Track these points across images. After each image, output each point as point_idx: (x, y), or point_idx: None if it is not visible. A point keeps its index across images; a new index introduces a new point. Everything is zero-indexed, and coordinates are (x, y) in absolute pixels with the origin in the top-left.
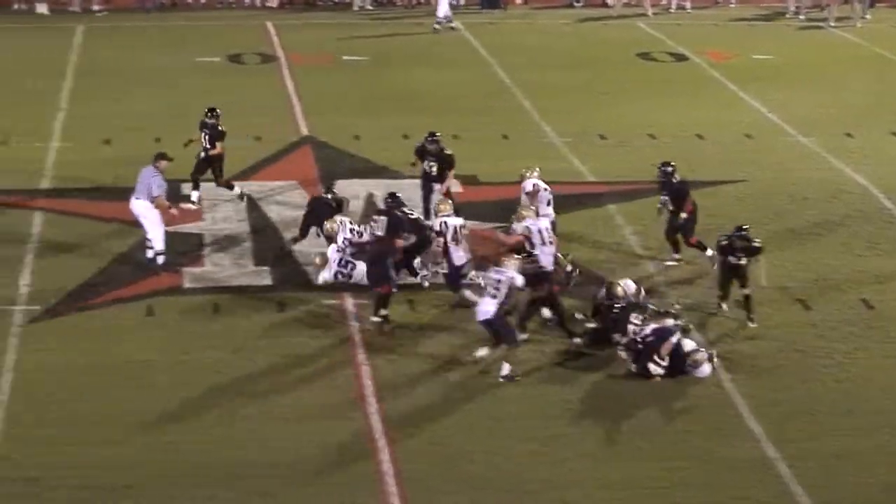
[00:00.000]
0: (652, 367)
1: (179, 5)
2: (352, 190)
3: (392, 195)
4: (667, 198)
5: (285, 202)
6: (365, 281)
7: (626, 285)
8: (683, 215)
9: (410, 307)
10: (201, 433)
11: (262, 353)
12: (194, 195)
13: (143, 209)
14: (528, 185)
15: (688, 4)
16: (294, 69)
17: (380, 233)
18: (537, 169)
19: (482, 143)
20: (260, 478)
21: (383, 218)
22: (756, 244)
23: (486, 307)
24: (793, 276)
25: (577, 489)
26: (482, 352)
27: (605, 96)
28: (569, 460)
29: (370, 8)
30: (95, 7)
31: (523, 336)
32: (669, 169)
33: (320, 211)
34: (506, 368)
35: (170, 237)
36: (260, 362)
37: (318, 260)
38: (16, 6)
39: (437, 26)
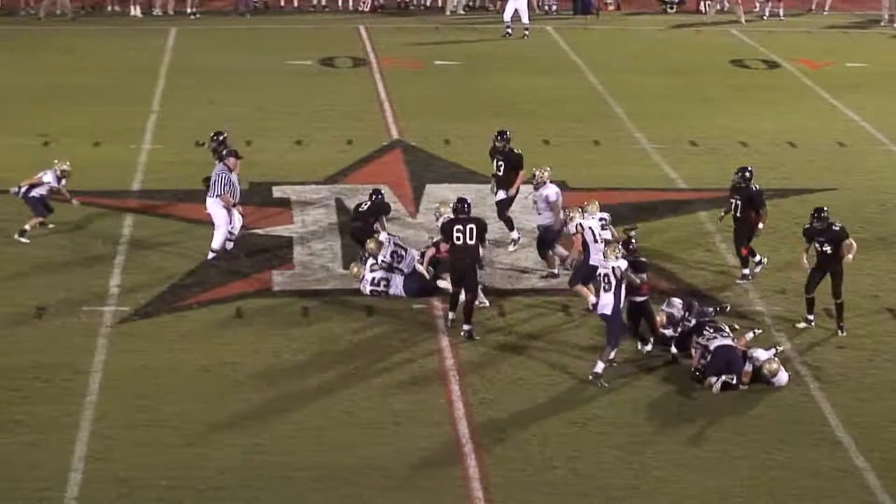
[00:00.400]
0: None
1: (272, 8)
2: (441, 194)
3: (461, 200)
4: (736, 202)
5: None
6: (402, 292)
7: (673, 305)
8: (761, 226)
9: (499, 313)
10: (289, 436)
11: (350, 356)
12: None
13: (211, 206)
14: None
15: (781, 11)
16: (385, 73)
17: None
18: (548, 169)
19: (573, 149)
20: (347, 481)
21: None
22: (836, 227)
23: (605, 300)
24: (883, 285)
25: (664, 497)
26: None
27: (697, 103)
28: (655, 468)
29: (462, 13)
30: (189, 10)
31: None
32: (748, 174)
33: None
34: (599, 366)
35: (259, 239)
36: (348, 366)
37: (354, 269)
38: (109, 8)
39: (508, 31)
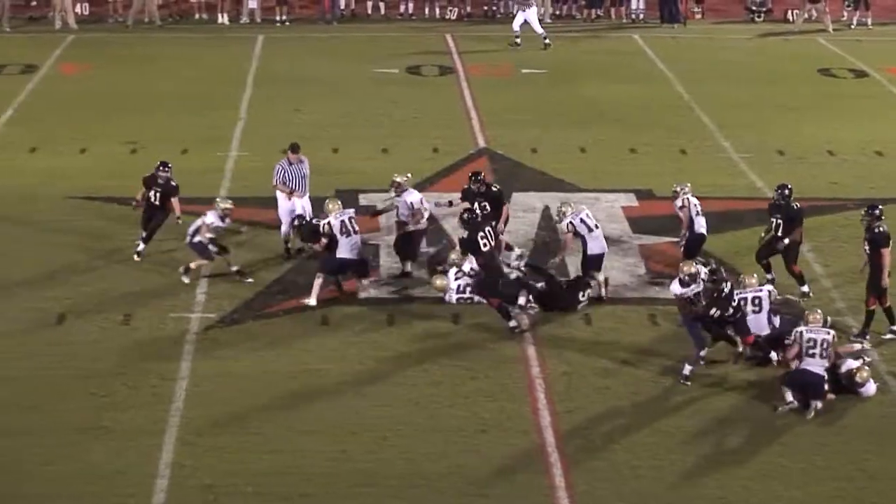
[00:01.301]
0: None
1: (359, 17)
2: (528, 202)
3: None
4: (777, 221)
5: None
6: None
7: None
8: (786, 241)
9: (586, 322)
10: (375, 443)
11: (436, 364)
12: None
13: (278, 198)
14: (679, 201)
15: (869, 20)
16: (472, 81)
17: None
18: (408, 175)
19: (659, 158)
20: (432, 489)
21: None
22: (879, 230)
23: (760, 322)
24: None
25: None
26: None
27: (784, 112)
28: (740, 477)
29: (549, 21)
30: (278, 17)
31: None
32: (787, 192)
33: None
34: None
35: None
36: (434, 373)
37: (438, 283)
38: (197, 16)
39: (517, 41)
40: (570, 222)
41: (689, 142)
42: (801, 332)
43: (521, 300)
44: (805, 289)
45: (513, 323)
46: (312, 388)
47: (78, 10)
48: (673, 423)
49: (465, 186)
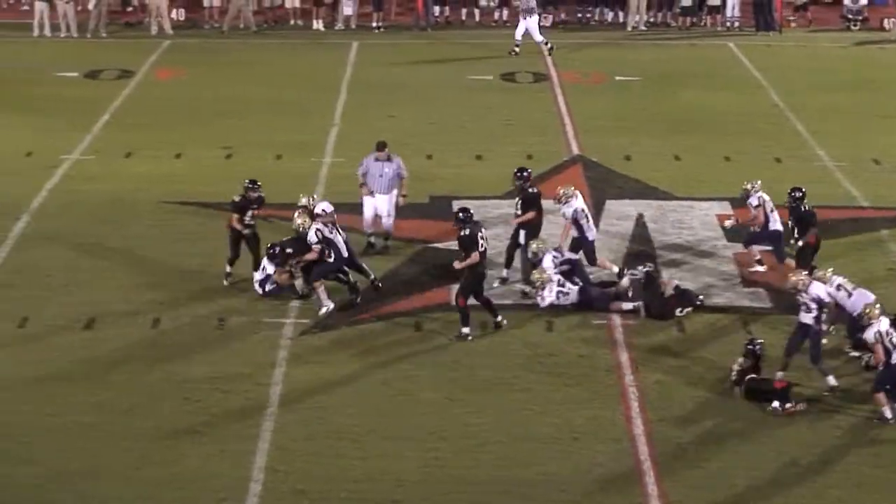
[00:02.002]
0: None
1: (454, 23)
2: (622, 210)
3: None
4: (791, 224)
5: (555, 220)
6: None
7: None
8: (800, 243)
9: (680, 329)
10: (468, 449)
11: (528, 370)
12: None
13: None
14: (754, 200)
15: None
16: (566, 88)
17: None
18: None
19: (754, 166)
20: (525, 496)
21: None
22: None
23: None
24: None
25: None
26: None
27: (879, 120)
28: (835, 487)
29: (644, 28)
30: (374, 24)
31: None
32: (799, 195)
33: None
34: (832, 380)
35: (439, 253)
36: (527, 380)
37: (536, 277)
38: (292, 22)
39: (516, 49)
40: (576, 209)
41: (783, 150)
42: (881, 332)
43: (628, 305)
44: None
45: (466, 330)
46: (405, 395)
47: (174, 15)
48: (766, 432)
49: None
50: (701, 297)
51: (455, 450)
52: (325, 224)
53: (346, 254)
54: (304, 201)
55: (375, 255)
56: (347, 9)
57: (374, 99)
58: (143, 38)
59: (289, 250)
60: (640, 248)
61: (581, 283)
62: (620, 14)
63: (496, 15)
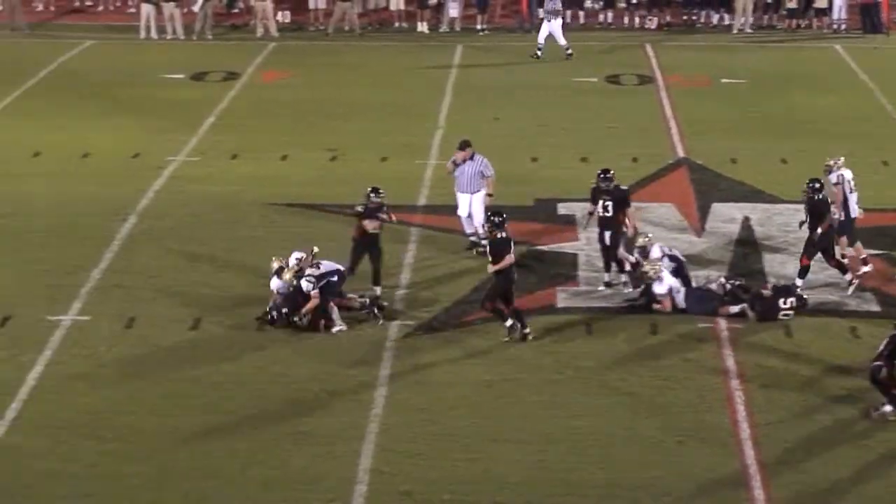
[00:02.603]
0: None
1: None
2: (728, 213)
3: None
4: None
5: (660, 223)
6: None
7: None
8: (818, 231)
9: (786, 333)
10: (571, 452)
11: (633, 374)
12: None
13: None
14: (833, 177)
15: None
16: (671, 91)
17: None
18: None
19: (860, 169)
20: (630, 500)
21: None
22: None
23: None
24: None
25: None
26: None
27: None
28: None
29: (749, 31)
30: (479, 26)
31: None
32: (817, 185)
33: None
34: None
35: (544, 256)
36: (632, 383)
37: (648, 268)
38: (397, 24)
39: (538, 53)
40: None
41: (891, 153)
42: None
43: (735, 308)
44: (798, 282)
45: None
46: (510, 397)
47: (279, 18)
48: (878, 436)
49: (594, 184)
50: (805, 296)
51: (559, 452)
52: (309, 266)
53: (339, 274)
54: (275, 265)
55: (473, 257)
56: (452, 11)
57: (478, 101)
58: (248, 40)
59: (284, 310)
60: (746, 251)
61: (686, 285)
62: (726, 16)
63: (601, 17)
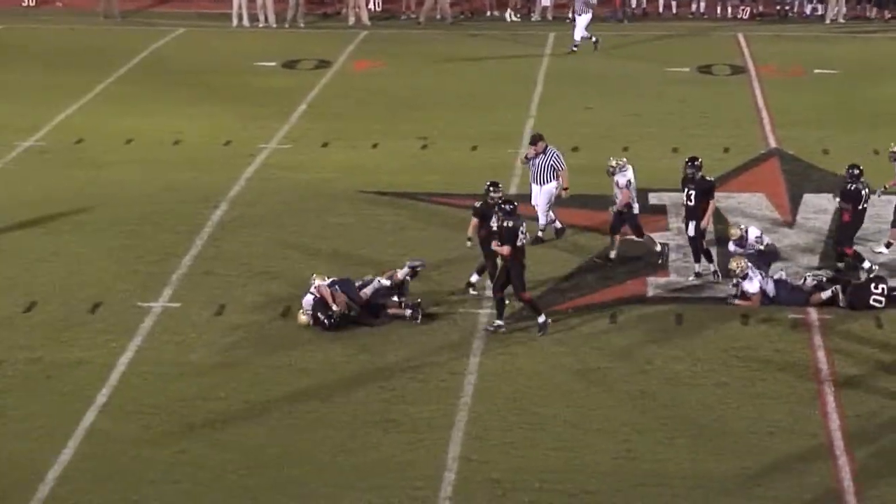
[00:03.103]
0: None
1: (650, 15)
2: (820, 204)
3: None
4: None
5: (751, 214)
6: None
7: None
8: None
9: (877, 325)
10: (661, 442)
11: (724, 364)
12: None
13: None
14: None
15: None
16: (764, 81)
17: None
18: None
19: None
20: (720, 491)
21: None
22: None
23: None
24: None
25: None
26: None
27: None
28: None
29: (843, 21)
30: (569, 16)
31: None
32: (857, 172)
33: None
34: None
35: (635, 246)
36: (722, 374)
37: (735, 266)
38: (488, 13)
39: (574, 48)
40: (629, 179)
41: None
42: None
43: (826, 294)
44: (866, 264)
45: (542, 319)
46: (599, 386)
47: (371, 6)
48: None
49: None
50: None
51: (648, 442)
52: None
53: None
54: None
55: (563, 247)
56: (545, 0)
57: (570, 91)
58: (340, 28)
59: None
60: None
61: (775, 277)
62: (819, 7)
63: (693, 6)
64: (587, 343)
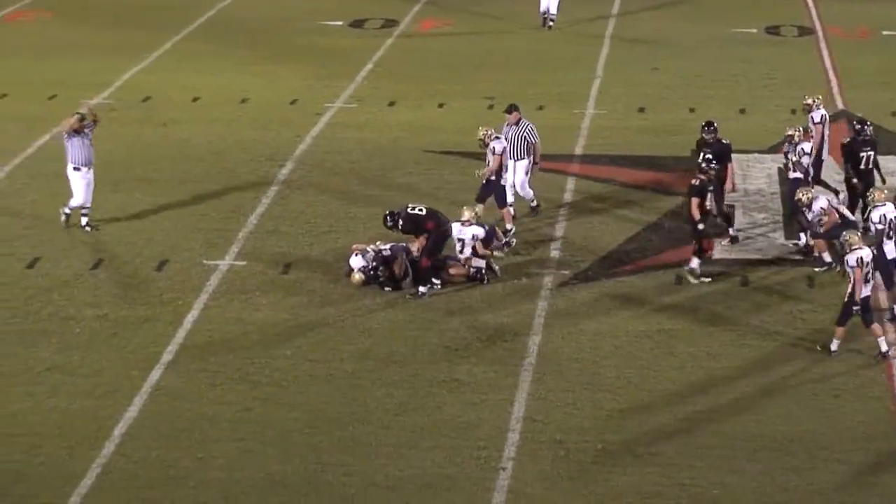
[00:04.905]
0: None
1: None
2: (887, 167)
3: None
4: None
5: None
6: None
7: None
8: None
9: None
10: (726, 404)
11: (789, 326)
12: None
13: None
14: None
15: None
16: (831, 43)
17: None
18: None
19: None
20: (785, 452)
21: None
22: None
23: None
24: None
25: None
26: None
27: None
28: None
29: None
30: None
31: None
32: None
33: None
34: None
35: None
36: (788, 336)
37: (802, 195)
38: None
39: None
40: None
41: None
42: None
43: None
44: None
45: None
46: (664, 347)
47: None
48: None
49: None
50: None
51: (713, 404)
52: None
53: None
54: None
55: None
56: None
57: (636, 52)
58: None
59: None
60: None
61: None
62: None
63: None
64: (651, 304)
